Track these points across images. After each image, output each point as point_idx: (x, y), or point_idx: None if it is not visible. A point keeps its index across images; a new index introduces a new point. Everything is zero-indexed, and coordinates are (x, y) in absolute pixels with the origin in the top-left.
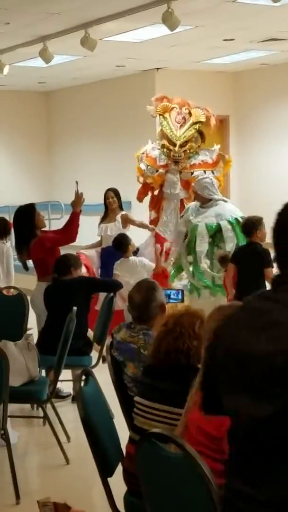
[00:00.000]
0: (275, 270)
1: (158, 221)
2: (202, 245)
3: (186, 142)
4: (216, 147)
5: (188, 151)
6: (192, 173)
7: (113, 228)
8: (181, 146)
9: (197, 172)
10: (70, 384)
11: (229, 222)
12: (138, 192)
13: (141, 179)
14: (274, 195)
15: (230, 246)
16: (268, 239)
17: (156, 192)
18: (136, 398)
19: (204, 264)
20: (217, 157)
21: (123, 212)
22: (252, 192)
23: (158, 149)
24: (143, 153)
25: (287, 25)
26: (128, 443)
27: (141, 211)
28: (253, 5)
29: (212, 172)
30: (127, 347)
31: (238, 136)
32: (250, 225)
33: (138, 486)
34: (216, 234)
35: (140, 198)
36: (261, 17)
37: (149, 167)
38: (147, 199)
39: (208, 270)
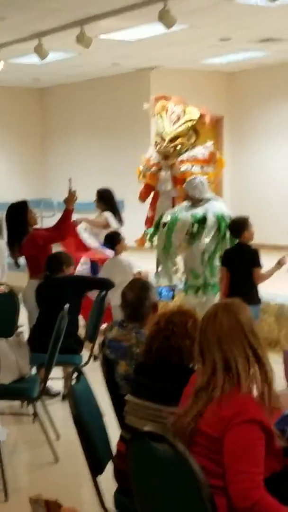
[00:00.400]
0: (263, 270)
1: (153, 220)
2: (178, 237)
3: (176, 138)
4: (209, 143)
5: (179, 146)
6: (180, 168)
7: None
8: (171, 141)
9: (185, 167)
10: (60, 382)
11: (215, 215)
12: (140, 192)
13: (141, 179)
14: (268, 195)
15: (209, 237)
16: (256, 238)
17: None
18: (128, 397)
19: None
20: (210, 154)
21: (104, 214)
22: (245, 192)
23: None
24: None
25: (284, 25)
26: (119, 441)
27: (133, 211)
28: (250, 5)
29: (202, 167)
30: (119, 345)
31: (232, 136)
32: (239, 226)
33: (128, 484)
34: (199, 225)
35: (141, 198)
36: (258, 17)
37: (145, 166)
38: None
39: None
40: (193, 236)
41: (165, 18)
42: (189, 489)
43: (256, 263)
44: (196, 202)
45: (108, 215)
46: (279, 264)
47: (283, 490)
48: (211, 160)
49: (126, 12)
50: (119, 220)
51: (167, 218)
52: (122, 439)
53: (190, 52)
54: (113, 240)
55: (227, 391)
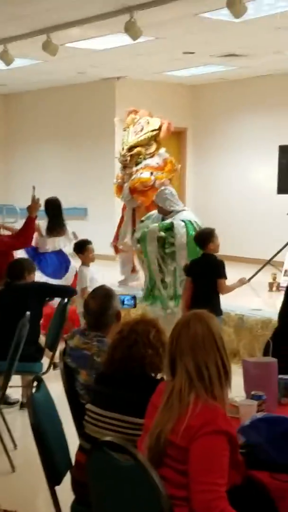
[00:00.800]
0: (227, 282)
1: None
2: (152, 245)
3: (135, 147)
4: (162, 150)
5: (136, 155)
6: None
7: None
8: (129, 150)
9: (135, 175)
10: (19, 390)
11: (183, 221)
12: (122, 207)
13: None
14: (229, 205)
15: (180, 241)
16: (221, 250)
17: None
18: (88, 406)
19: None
20: (164, 161)
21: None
22: (207, 202)
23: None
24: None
25: (247, 41)
26: (78, 452)
27: (96, 220)
28: (215, 20)
29: (151, 173)
30: (80, 353)
31: (195, 148)
32: (204, 237)
33: (86, 495)
34: (167, 232)
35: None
36: (222, 32)
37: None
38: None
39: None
40: (169, 254)
41: (131, 29)
42: (149, 499)
43: (221, 274)
44: (167, 214)
45: (40, 222)
46: (240, 281)
47: (244, 502)
48: (166, 166)
49: (92, 22)
50: (59, 229)
51: (138, 234)
52: (81, 449)
53: (154, 64)
54: (79, 248)
55: (199, 400)
